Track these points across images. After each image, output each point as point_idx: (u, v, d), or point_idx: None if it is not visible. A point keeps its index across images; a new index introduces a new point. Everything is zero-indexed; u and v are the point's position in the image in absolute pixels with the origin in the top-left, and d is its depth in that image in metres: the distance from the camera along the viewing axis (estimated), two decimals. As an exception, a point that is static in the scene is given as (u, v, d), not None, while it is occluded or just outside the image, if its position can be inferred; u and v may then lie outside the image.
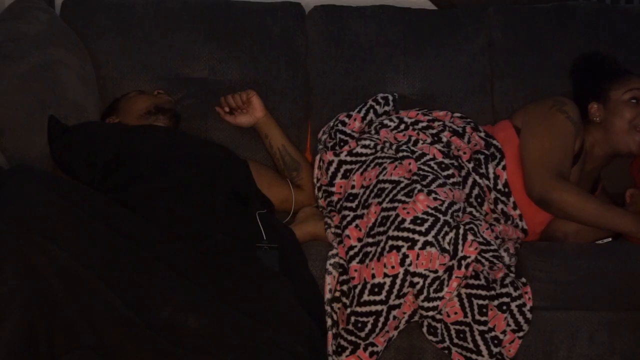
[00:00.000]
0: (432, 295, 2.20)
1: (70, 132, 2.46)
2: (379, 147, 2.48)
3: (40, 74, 2.56)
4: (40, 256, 1.82)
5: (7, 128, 2.41)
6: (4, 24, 2.68)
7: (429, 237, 2.18)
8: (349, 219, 2.35)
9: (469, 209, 2.47)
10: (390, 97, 2.73)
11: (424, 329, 2.32)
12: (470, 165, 2.52)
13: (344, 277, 2.29)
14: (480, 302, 2.27)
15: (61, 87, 2.61)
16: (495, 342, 2.28)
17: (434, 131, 2.59)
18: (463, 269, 2.22)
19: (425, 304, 2.21)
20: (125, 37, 2.90)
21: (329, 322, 2.28)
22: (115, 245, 1.93)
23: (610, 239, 2.63)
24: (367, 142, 2.50)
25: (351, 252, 2.28)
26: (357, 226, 2.32)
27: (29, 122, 2.46)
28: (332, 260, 2.33)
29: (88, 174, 2.32)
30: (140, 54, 2.89)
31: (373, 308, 2.20)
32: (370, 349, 2.25)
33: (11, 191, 1.88)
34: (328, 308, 2.29)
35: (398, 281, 2.19)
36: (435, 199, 2.26)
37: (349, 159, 2.48)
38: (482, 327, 2.27)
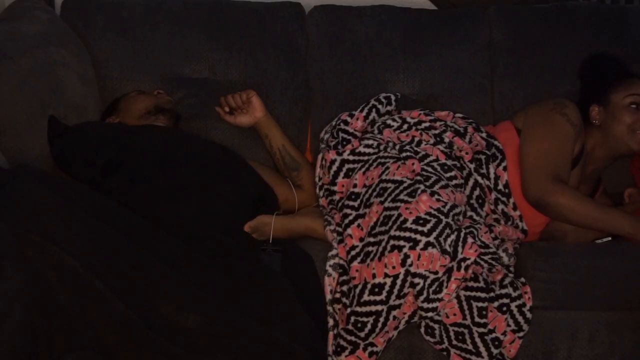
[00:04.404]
0: (431, 296, 2.20)
1: (70, 132, 2.46)
2: (382, 147, 2.48)
3: (40, 74, 2.56)
4: (40, 256, 1.82)
5: (7, 128, 2.41)
6: (4, 24, 2.68)
7: (431, 238, 2.18)
8: (351, 217, 2.34)
9: (469, 213, 2.47)
10: (393, 97, 2.73)
11: (422, 330, 2.32)
12: (472, 166, 2.52)
13: (344, 277, 2.29)
14: (480, 304, 2.27)
15: (61, 87, 2.61)
16: (496, 343, 2.28)
17: (437, 131, 2.58)
18: (462, 270, 2.22)
19: (425, 305, 2.21)
20: (125, 37, 2.90)
21: (331, 322, 2.28)
22: (115, 245, 1.93)
23: (609, 238, 2.63)
24: (370, 142, 2.49)
25: (353, 252, 2.28)
26: (359, 225, 2.32)
27: (29, 122, 2.46)
28: (331, 262, 2.32)
29: (88, 174, 2.32)
30: (140, 54, 2.89)
31: (373, 308, 2.20)
32: (369, 349, 2.25)
33: (11, 191, 1.89)
34: (330, 309, 2.29)
35: (398, 281, 2.19)
36: (437, 200, 2.26)
37: (351, 158, 2.48)
38: (481, 330, 2.27)
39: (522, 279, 2.36)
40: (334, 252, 2.34)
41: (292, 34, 2.97)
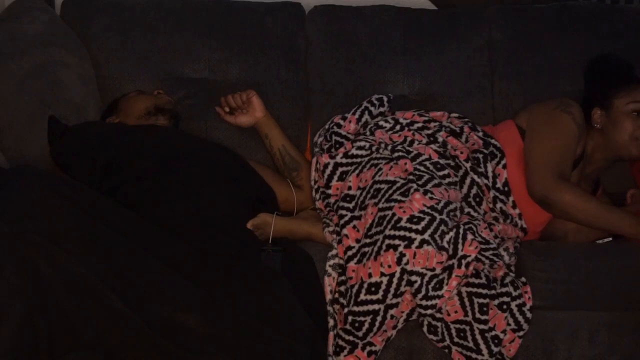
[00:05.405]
0: (431, 293, 2.21)
1: (70, 132, 2.46)
2: (374, 149, 2.48)
3: (40, 74, 2.56)
4: (40, 256, 1.83)
5: (7, 128, 2.41)
6: (4, 24, 2.68)
7: (426, 236, 2.18)
8: (346, 218, 2.35)
9: (467, 209, 2.47)
10: (385, 98, 2.73)
11: (424, 328, 2.32)
12: (468, 165, 2.52)
13: (342, 277, 2.29)
14: (481, 300, 2.27)
15: (61, 87, 2.61)
16: (496, 341, 2.29)
17: (430, 132, 2.59)
18: (463, 268, 2.22)
19: (424, 302, 2.21)
20: (125, 37, 2.90)
21: (331, 322, 2.28)
22: (116, 245, 1.93)
23: (610, 239, 2.63)
24: (362, 144, 2.50)
25: (349, 253, 2.29)
26: (354, 227, 2.32)
27: (29, 122, 2.46)
28: (331, 262, 2.32)
29: (88, 174, 2.32)
30: (140, 54, 2.89)
31: (370, 307, 2.20)
32: (368, 348, 2.26)
33: (12, 191, 1.89)
34: (330, 309, 2.29)
35: (395, 280, 2.19)
36: (431, 198, 2.27)
37: (344, 161, 2.48)
38: (482, 326, 2.28)
39: (523, 279, 2.36)
40: (333, 252, 2.34)
41: (292, 34, 2.97)
